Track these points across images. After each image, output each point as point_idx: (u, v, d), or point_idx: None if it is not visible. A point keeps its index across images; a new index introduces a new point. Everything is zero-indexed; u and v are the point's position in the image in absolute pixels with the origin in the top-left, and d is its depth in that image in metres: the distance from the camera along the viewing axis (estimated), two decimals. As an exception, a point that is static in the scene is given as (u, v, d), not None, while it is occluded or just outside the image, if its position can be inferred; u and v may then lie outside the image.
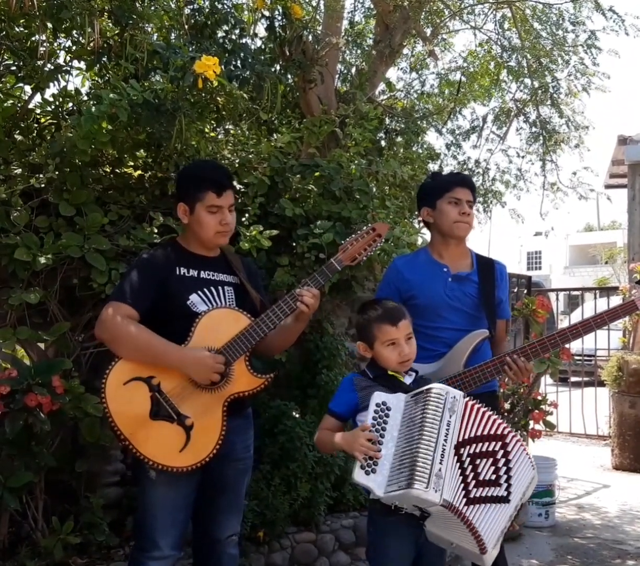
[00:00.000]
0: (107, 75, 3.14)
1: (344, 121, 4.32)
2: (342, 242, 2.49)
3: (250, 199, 3.31)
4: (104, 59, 3.10)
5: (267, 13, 3.87)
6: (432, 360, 2.60)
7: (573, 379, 8.70)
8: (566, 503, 4.99)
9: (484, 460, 1.99)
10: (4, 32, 2.97)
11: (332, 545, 3.51)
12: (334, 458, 3.48)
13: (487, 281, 2.75)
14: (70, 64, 3.24)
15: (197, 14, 3.42)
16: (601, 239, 29.50)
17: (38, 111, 3.21)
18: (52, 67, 3.14)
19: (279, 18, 3.94)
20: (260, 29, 3.97)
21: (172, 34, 3.43)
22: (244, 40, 3.52)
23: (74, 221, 2.87)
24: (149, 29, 3.32)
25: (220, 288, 2.41)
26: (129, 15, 3.02)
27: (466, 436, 1.99)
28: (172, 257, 2.38)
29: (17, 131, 3.14)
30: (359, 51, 6.92)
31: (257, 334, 2.28)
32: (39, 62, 3.06)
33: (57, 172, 2.83)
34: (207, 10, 3.43)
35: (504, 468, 1.99)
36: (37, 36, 3.04)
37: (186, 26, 3.35)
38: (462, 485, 1.93)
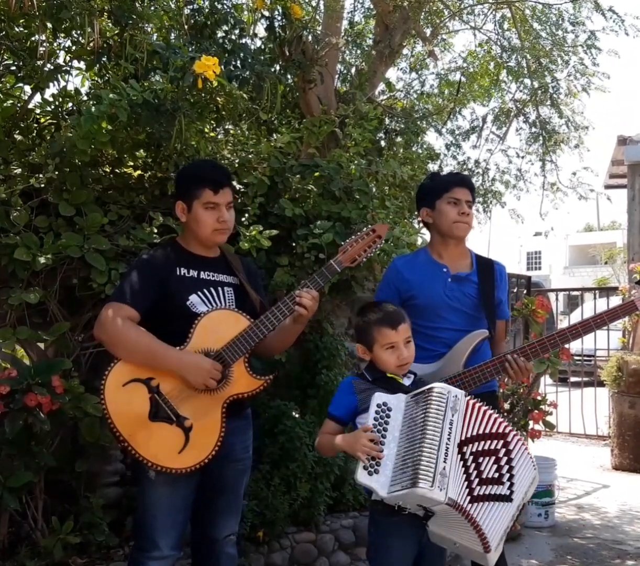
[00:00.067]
0: (107, 75, 3.14)
1: (344, 121, 4.32)
2: (342, 242, 2.49)
3: (250, 199, 3.31)
4: (104, 59, 3.11)
5: (266, 13, 3.87)
6: (431, 360, 2.60)
7: (573, 379, 8.70)
8: (566, 503, 4.99)
9: (487, 458, 1.99)
10: (4, 32, 2.97)
11: (331, 545, 3.51)
12: (333, 458, 3.48)
13: (486, 281, 2.75)
14: (70, 64, 3.25)
15: (196, 14, 3.42)
16: (601, 240, 29.50)
17: (38, 110, 3.21)
18: (52, 67, 3.14)
19: (279, 18, 3.94)
20: (260, 29, 3.98)
21: (172, 34, 3.43)
22: (243, 41, 3.53)
23: (74, 221, 2.87)
24: (149, 29, 3.32)
25: (220, 288, 2.40)
26: (129, 15, 3.02)
27: (468, 435, 1.99)
28: (172, 257, 2.38)
29: (17, 131, 3.14)
30: (358, 51, 6.92)
31: (256, 336, 2.28)
32: (39, 62, 3.06)
33: (56, 172, 2.83)
34: (206, 10, 3.43)
35: (507, 467, 2.00)
36: (36, 36, 3.04)
37: (186, 26, 3.35)
38: (466, 483, 1.94)
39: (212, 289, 2.38)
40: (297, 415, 3.57)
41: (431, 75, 7.61)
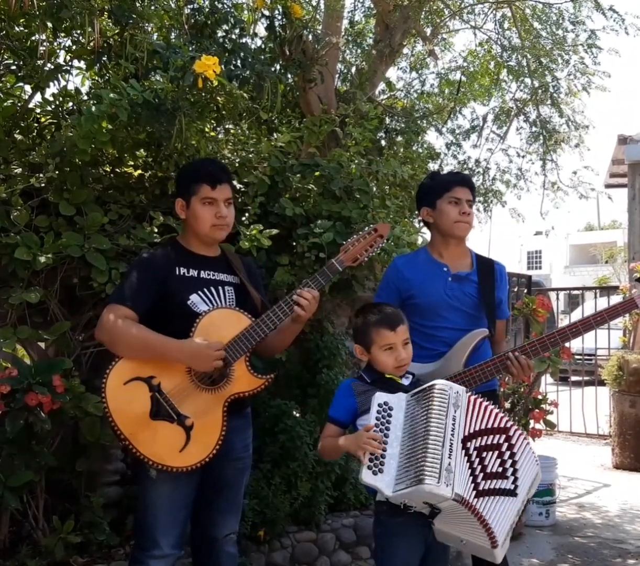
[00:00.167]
0: (107, 74, 3.14)
1: (344, 120, 4.32)
2: (343, 242, 2.49)
3: (250, 199, 3.31)
4: (104, 58, 3.10)
5: (267, 12, 3.87)
6: (431, 359, 2.60)
7: (573, 378, 8.70)
8: (567, 502, 4.99)
9: (490, 453, 2.00)
10: (4, 32, 2.97)
11: (332, 544, 3.51)
12: (334, 457, 3.48)
13: (486, 281, 2.76)
14: (70, 63, 3.24)
15: (197, 13, 3.42)
16: (601, 239, 29.49)
17: (38, 110, 3.21)
18: (52, 67, 3.14)
19: (279, 17, 3.94)
20: (260, 29, 3.97)
21: (172, 34, 3.43)
22: (244, 40, 3.52)
23: (74, 221, 2.87)
24: (149, 29, 3.32)
25: (220, 287, 2.41)
26: (129, 15, 3.02)
27: (471, 430, 2.00)
28: (172, 256, 2.39)
29: (17, 131, 3.14)
30: (359, 51, 6.92)
31: (257, 335, 2.28)
32: (39, 62, 3.06)
33: (57, 172, 2.83)
34: (207, 9, 3.42)
35: (510, 461, 2.01)
36: (37, 36, 3.04)
37: (186, 26, 3.35)
38: (471, 479, 1.95)
39: (212, 289, 2.38)
40: (297, 414, 3.57)
41: (431, 75, 7.62)
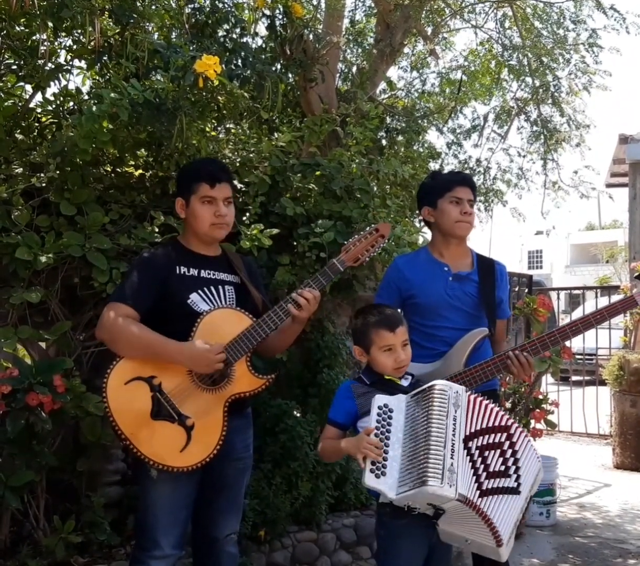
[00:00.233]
0: (108, 74, 3.13)
1: (345, 119, 4.31)
2: (343, 241, 2.49)
3: (251, 198, 3.31)
4: (105, 58, 3.10)
5: (267, 12, 3.86)
6: (431, 359, 2.60)
7: (574, 378, 8.70)
8: (567, 502, 4.99)
9: (492, 452, 2.00)
10: (5, 31, 2.97)
11: (333, 544, 3.51)
12: (335, 457, 3.48)
13: (487, 280, 2.75)
14: (71, 63, 3.24)
15: (197, 13, 3.42)
16: (602, 238, 29.48)
17: (39, 110, 3.21)
18: (53, 66, 3.14)
19: (280, 17, 3.94)
20: (261, 28, 3.97)
21: (173, 33, 3.42)
22: (244, 39, 3.52)
23: (75, 220, 2.87)
24: (150, 28, 3.32)
25: (220, 287, 2.41)
26: (130, 14, 3.02)
27: (473, 429, 2.00)
28: (172, 256, 2.39)
29: (18, 130, 3.14)
30: (359, 50, 6.92)
31: (258, 335, 2.28)
32: (40, 61, 3.05)
33: (58, 172, 2.83)
34: (207, 9, 3.42)
35: (512, 459, 2.01)
36: (37, 35, 3.04)
37: (187, 25, 3.34)
38: (474, 478, 1.94)
39: (212, 288, 2.38)
40: (298, 414, 3.57)
41: (432, 74, 7.61)
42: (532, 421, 4.15)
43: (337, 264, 2.39)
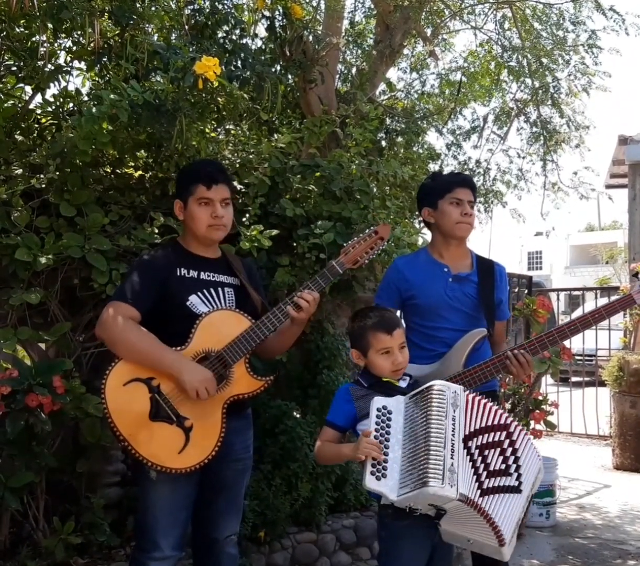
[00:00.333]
0: (108, 75, 3.14)
1: (345, 121, 4.32)
2: (343, 242, 2.49)
3: (250, 199, 3.31)
4: (105, 59, 3.10)
5: (267, 13, 3.87)
6: (431, 360, 2.60)
7: (574, 379, 8.70)
8: (567, 503, 4.99)
9: (492, 450, 2.00)
10: (5, 33, 2.97)
11: (333, 545, 3.51)
12: (334, 458, 3.48)
13: (486, 281, 2.76)
14: (70, 64, 3.24)
15: (197, 14, 3.42)
16: (602, 239, 29.44)
17: (38, 111, 3.21)
18: (53, 68, 3.14)
19: (280, 18, 3.94)
20: (261, 29, 3.97)
21: (173, 35, 3.43)
22: (244, 41, 3.52)
23: (75, 221, 2.87)
24: (150, 30, 3.32)
25: (220, 289, 2.41)
26: (130, 16, 3.02)
27: (472, 429, 2.00)
28: (172, 258, 2.39)
29: (18, 132, 3.14)
30: (359, 51, 6.91)
31: (257, 337, 2.28)
32: (40, 63, 3.06)
33: (57, 173, 2.83)
34: (207, 10, 3.42)
35: (512, 457, 2.01)
36: (37, 37, 3.04)
37: (186, 27, 3.35)
38: (475, 477, 1.94)
39: (212, 290, 2.38)
40: (298, 415, 3.57)
41: (432, 75, 7.61)
42: (532, 422, 4.15)
43: (336, 267, 2.39)
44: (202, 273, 2.40)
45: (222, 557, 2.41)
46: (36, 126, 3.22)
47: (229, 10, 3.59)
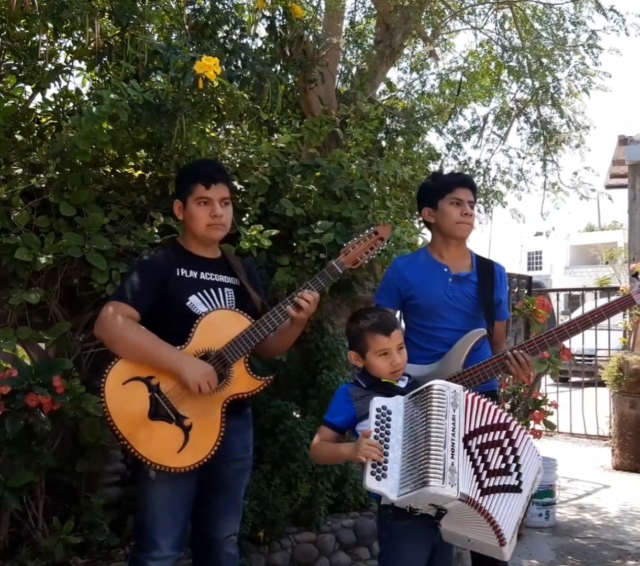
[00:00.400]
0: (108, 75, 3.14)
1: (345, 121, 4.31)
2: (343, 242, 2.49)
3: (250, 199, 3.31)
4: (105, 59, 3.10)
5: (267, 13, 3.86)
6: (430, 360, 2.61)
7: (573, 379, 8.70)
8: (566, 503, 4.99)
9: (492, 450, 2.00)
10: (5, 32, 2.97)
11: (332, 545, 3.51)
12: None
13: (486, 281, 2.76)
14: (70, 64, 3.25)
15: (197, 14, 3.42)
16: (602, 239, 29.43)
17: (39, 111, 3.21)
18: (53, 67, 3.14)
19: (280, 18, 3.94)
20: (261, 29, 3.97)
21: (173, 34, 3.42)
22: (244, 41, 3.52)
23: (75, 221, 2.87)
24: (150, 29, 3.32)
25: (220, 289, 2.41)
26: (130, 16, 3.02)
27: (472, 428, 2.00)
28: (172, 258, 2.39)
29: (18, 131, 3.14)
30: (359, 51, 6.91)
31: (257, 336, 2.28)
32: (40, 62, 3.06)
33: (57, 172, 2.83)
34: (207, 10, 3.42)
35: (512, 457, 2.01)
36: (37, 36, 3.04)
37: (187, 26, 3.35)
38: (475, 477, 1.94)
39: (211, 290, 2.38)
40: (297, 415, 3.57)
41: (432, 75, 7.61)
42: (532, 422, 4.15)
43: (336, 267, 2.39)
44: (201, 273, 2.40)
45: (221, 557, 2.41)
46: (36, 125, 3.22)
47: (229, 10, 3.59)
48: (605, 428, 6.79)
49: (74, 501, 3.03)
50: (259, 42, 4.08)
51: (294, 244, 3.43)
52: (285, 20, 3.92)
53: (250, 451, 2.49)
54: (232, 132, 3.87)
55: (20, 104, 3.22)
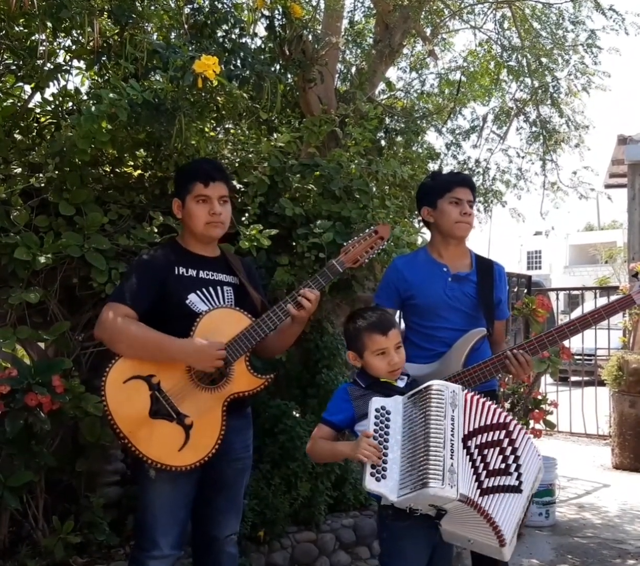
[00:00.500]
0: (107, 74, 3.13)
1: (344, 120, 4.32)
2: (342, 242, 2.49)
3: (250, 199, 3.31)
4: (104, 58, 3.10)
5: (267, 12, 3.86)
6: (430, 360, 2.60)
7: (573, 378, 8.69)
8: (566, 503, 4.99)
9: (492, 450, 1.99)
10: (4, 32, 2.97)
11: (332, 545, 3.51)
12: (334, 457, 3.48)
13: (485, 281, 2.76)
14: (70, 63, 3.24)
15: (196, 13, 3.42)
16: (601, 239, 29.47)
17: (38, 110, 3.21)
18: (52, 67, 3.14)
19: (279, 17, 3.94)
20: (260, 29, 3.97)
21: (172, 34, 3.42)
22: (243, 40, 3.52)
23: (74, 221, 2.87)
24: (149, 29, 3.32)
25: (219, 287, 2.41)
26: (129, 15, 3.02)
27: (471, 428, 1.99)
28: (171, 257, 2.39)
29: (17, 131, 3.14)
30: (358, 51, 6.91)
31: (257, 335, 2.28)
32: (39, 62, 3.05)
33: (56, 172, 2.83)
34: (206, 9, 3.42)
35: (512, 457, 2.00)
36: (36, 35, 3.04)
37: (186, 26, 3.34)
38: (475, 477, 1.94)
39: (211, 288, 2.38)
40: (297, 414, 3.57)
41: (431, 75, 7.61)
42: (531, 422, 4.15)
43: (337, 265, 2.39)
44: (200, 272, 2.40)
45: (222, 556, 2.41)
46: (35, 125, 3.22)
47: (228, 9, 3.59)
48: (605, 427, 6.79)
49: (74, 500, 3.03)
50: (258, 42, 4.08)
51: (294, 244, 3.43)
52: (284, 19, 3.91)
53: (250, 450, 2.49)
54: (232, 131, 3.87)
55: (19, 104, 3.21)
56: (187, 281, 2.36)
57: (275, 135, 3.72)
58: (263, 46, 4.02)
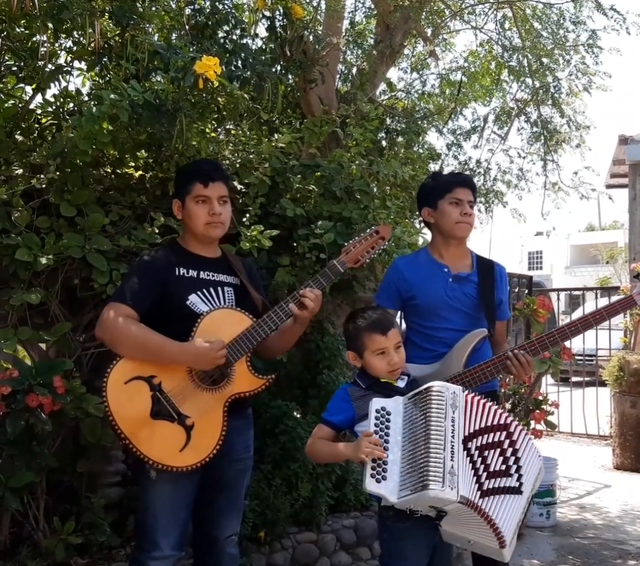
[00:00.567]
0: (108, 75, 3.14)
1: (345, 121, 4.31)
2: (343, 242, 2.50)
3: (251, 199, 3.31)
4: (105, 59, 3.10)
5: (268, 13, 3.87)
6: (431, 360, 2.61)
7: (574, 379, 8.69)
8: (567, 503, 4.99)
9: (492, 451, 1.99)
10: (5, 33, 2.98)
11: (333, 545, 3.51)
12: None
13: (486, 281, 2.76)
14: (71, 64, 3.24)
15: (197, 14, 3.42)
16: (602, 239, 29.44)
17: (39, 111, 3.22)
18: (53, 68, 3.15)
19: (280, 18, 3.94)
20: (261, 29, 3.97)
21: (173, 35, 3.42)
22: (244, 41, 3.52)
23: (75, 222, 2.87)
24: (150, 30, 3.32)
25: (220, 288, 2.41)
26: (130, 16, 3.02)
27: (471, 430, 1.99)
28: (172, 258, 2.39)
29: (18, 132, 3.14)
30: (359, 51, 6.91)
31: (259, 335, 2.29)
32: (40, 63, 3.06)
33: (58, 173, 2.83)
34: (207, 10, 3.42)
35: (513, 458, 2.00)
36: (38, 37, 3.04)
37: (187, 26, 3.35)
38: (475, 479, 1.93)
39: (211, 289, 2.39)
40: (298, 415, 3.57)
41: (432, 75, 7.60)
42: (532, 422, 4.15)
43: (338, 266, 2.39)
44: (201, 272, 2.40)
45: (222, 557, 2.41)
46: (36, 126, 3.22)
47: (229, 10, 3.59)
48: (606, 427, 6.79)
49: (75, 501, 3.03)
50: (259, 42, 4.09)
51: (295, 244, 3.43)
52: (285, 20, 3.92)
53: (251, 451, 2.49)
54: (233, 132, 3.88)
55: (20, 105, 3.22)
56: (188, 282, 2.36)
57: (276, 136, 3.72)
58: (264, 47, 4.02)
